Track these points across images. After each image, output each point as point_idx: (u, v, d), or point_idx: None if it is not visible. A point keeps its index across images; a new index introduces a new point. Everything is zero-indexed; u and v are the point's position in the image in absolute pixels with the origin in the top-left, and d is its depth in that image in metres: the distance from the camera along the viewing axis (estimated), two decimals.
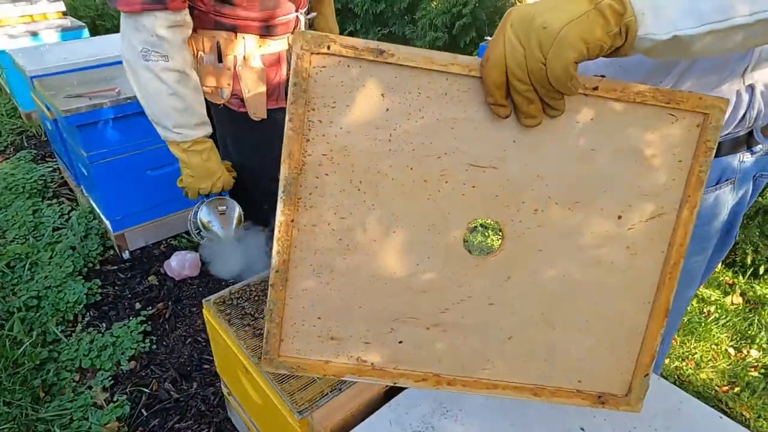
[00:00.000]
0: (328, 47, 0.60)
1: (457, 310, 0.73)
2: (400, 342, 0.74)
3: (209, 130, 1.52)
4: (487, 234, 2.77)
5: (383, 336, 0.74)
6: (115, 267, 2.52)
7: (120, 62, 2.80)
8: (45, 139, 3.72)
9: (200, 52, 1.55)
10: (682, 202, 0.68)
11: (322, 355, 0.74)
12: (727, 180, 1.07)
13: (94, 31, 5.10)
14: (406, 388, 1.07)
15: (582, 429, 0.96)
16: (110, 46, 3.00)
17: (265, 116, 1.63)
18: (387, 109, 0.63)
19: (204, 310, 1.45)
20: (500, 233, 0.71)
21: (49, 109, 2.48)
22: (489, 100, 0.63)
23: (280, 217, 0.67)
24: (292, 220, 0.67)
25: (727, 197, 1.10)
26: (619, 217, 0.69)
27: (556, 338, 0.75)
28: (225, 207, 1.65)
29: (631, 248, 0.70)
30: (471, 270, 0.72)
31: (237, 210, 1.68)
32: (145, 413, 1.81)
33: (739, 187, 1.10)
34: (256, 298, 1.44)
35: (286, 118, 0.63)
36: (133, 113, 2.30)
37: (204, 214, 1.62)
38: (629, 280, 0.72)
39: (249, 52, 1.54)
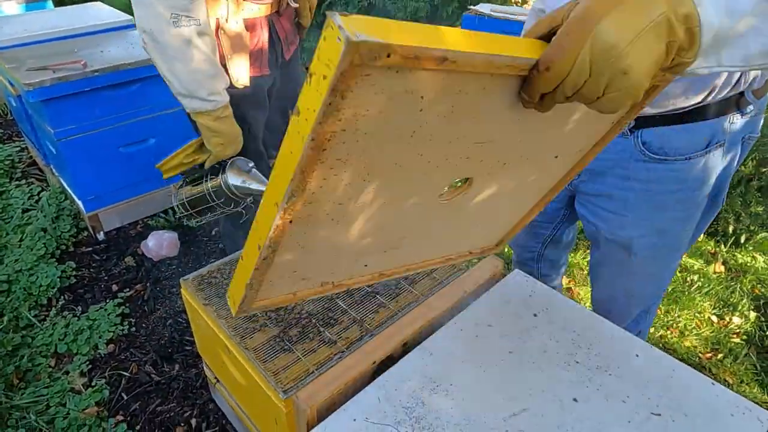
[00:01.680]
0: (388, 56, 0.45)
1: (413, 233, 0.84)
2: (365, 265, 0.85)
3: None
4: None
5: (350, 267, 0.84)
6: (90, 249, 2.43)
7: (87, 33, 2.68)
8: (11, 117, 3.56)
9: None
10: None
11: (292, 289, 0.80)
12: (717, 143, 1.04)
13: (60, 3, 4.86)
14: (394, 365, 1.03)
15: (575, 399, 0.94)
16: (75, 17, 2.84)
17: (248, 83, 1.58)
18: (420, 110, 0.55)
19: (182, 290, 1.39)
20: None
21: (12, 84, 2.34)
22: (525, 98, 0.58)
23: (278, 220, 0.60)
24: (291, 222, 0.62)
25: (717, 162, 1.07)
26: (556, 157, 0.83)
27: (475, 228, 0.95)
28: (252, 165, 1.59)
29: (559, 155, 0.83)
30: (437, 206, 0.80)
31: (252, 163, 1.61)
32: (125, 397, 1.75)
33: (728, 151, 1.08)
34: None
35: (308, 138, 0.51)
36: (102, 87, 2.19)
37: (233, 178, 1.53)
38: (541, 177, 0.88)
39: (230, 15, 1.47)
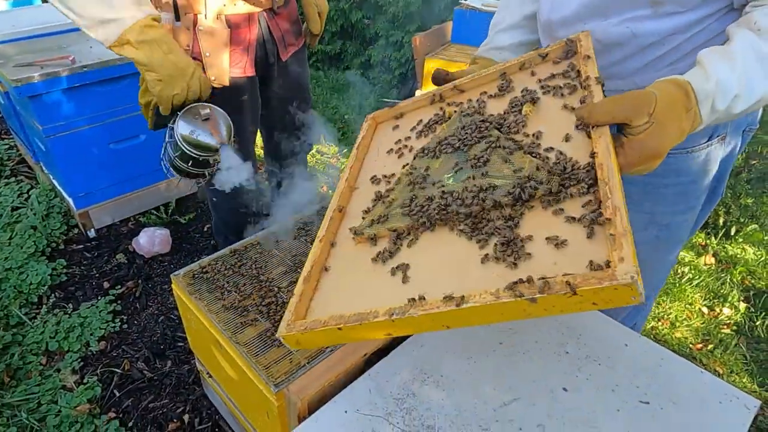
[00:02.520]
0: None
1: None
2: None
3: (154, 11, 1.23)
4: None
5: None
6: (81, 246, 2.42)
7: (76, 29, 2.65)
8: (0, 115, 3.52)
9: (158, 9, 1.44)
10: None
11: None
12: (718, 136, 1.04)
13: None
14: (384, 357, 1.04)
15: (565, 389, 0.95)
16: None
17: (227, 83, 1.53)
18: None
19: (173, 285, 1.39)
20: None
21: None
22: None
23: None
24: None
25: (718, 153, 1.07)
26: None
27: None
28: (208, 111, 1.26)
29: None
30: None
31: (224, 115, 1.29)
32: (117, 394, 1.75)
33: (729, 142, 1.08)
34: (225, 271, 1.39)
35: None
36: (90, 83, 2.17)
37: (183, 128, 1.21)
38: None
39: (212, 11, 1.43)
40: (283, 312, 1.24)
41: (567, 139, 0.80)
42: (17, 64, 2.12)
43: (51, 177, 2.58)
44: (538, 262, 0.66)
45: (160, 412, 1.69)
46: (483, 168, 0.82)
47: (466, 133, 0.91)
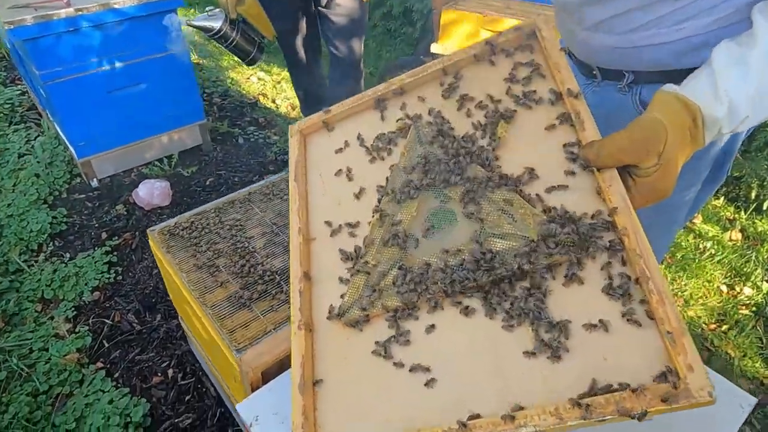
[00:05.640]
0: None
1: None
2: None
3: None
4: None
5: None
6: (83, 195, 2.40)
7: None
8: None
9: None
10: None
11: None
12: None
13: None
14: None
15: None
16: None
17: None
18: None
19: (149, 241, 1.34)
20: None
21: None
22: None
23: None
24: None
25: None
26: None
27: None
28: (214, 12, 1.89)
29: None
30: None
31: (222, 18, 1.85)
32: (106, 344, 1.75)
33: None
34: (203, 228, 1.33)
35: None
36: (87, 26, 2.09)
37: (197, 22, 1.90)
38: None
39: None
40: (257, 274, 1.19)
41: (567, 174, 0.71)
42: (12, 5, 2.05)
43: (55, 124, 2.55)
44: (584, 355, 0.60)
45: (146, 365, 1.69)
46: (478, 221, 0.71)
47: (440, 165, 0.77)
